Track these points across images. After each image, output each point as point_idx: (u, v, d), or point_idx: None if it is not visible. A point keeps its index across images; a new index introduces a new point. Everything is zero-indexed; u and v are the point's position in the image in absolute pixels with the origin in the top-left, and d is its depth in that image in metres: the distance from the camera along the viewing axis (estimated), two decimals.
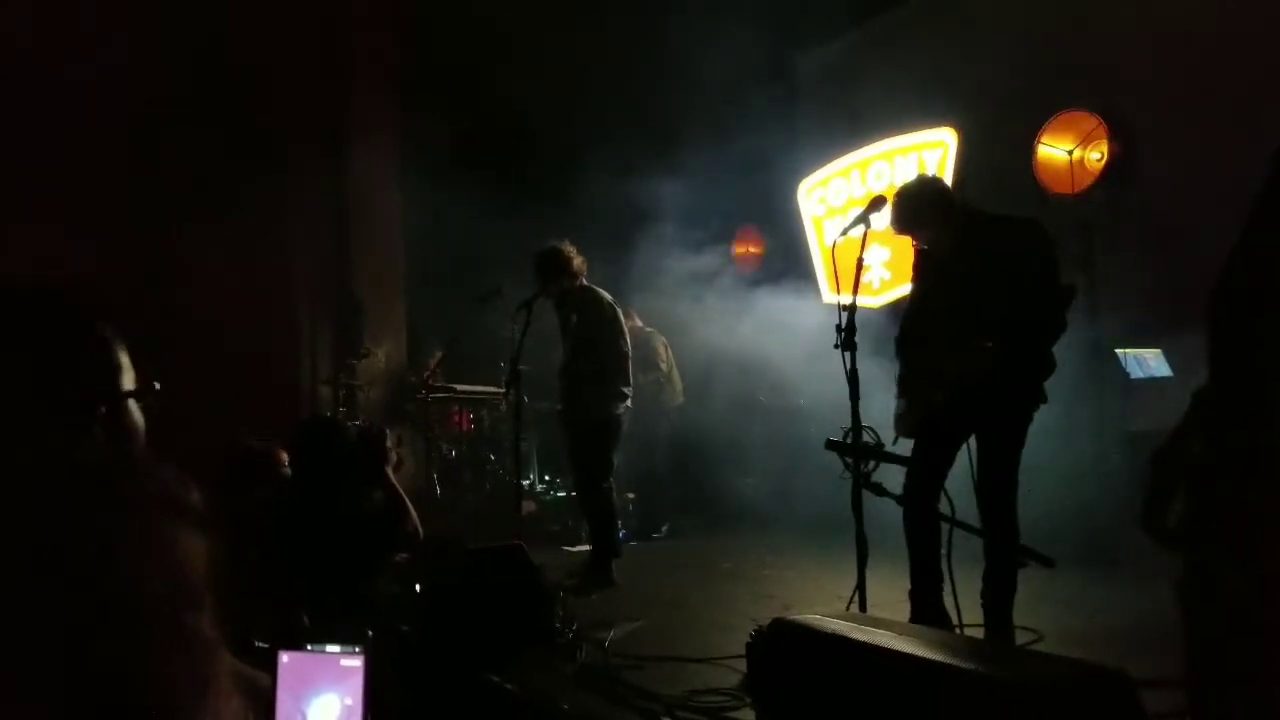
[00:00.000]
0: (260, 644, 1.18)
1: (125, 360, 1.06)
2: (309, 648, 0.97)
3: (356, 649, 0.96)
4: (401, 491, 3.35)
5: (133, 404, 1.05)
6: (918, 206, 3.58)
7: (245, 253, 6.52)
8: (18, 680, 0.55)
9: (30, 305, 1.01)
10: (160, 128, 6.10)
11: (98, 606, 0.57)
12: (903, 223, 3.63)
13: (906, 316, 3.73)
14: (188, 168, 6.17)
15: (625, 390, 5.26)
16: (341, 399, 6.91)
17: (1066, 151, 6.15)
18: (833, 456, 3.69)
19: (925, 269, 3.70)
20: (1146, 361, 5.62)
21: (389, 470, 3.35)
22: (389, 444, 3.37)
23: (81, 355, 1.01)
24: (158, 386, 1.09)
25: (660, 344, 7.25)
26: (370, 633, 0.96)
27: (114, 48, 5.90)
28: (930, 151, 6.94)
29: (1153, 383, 5.44)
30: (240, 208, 6.35)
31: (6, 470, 0.62)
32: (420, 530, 3.35)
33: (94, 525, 0.59)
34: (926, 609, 3.38)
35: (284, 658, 0.96)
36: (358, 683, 0.95)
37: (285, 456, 4.09)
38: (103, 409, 0.99)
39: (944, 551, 3.37)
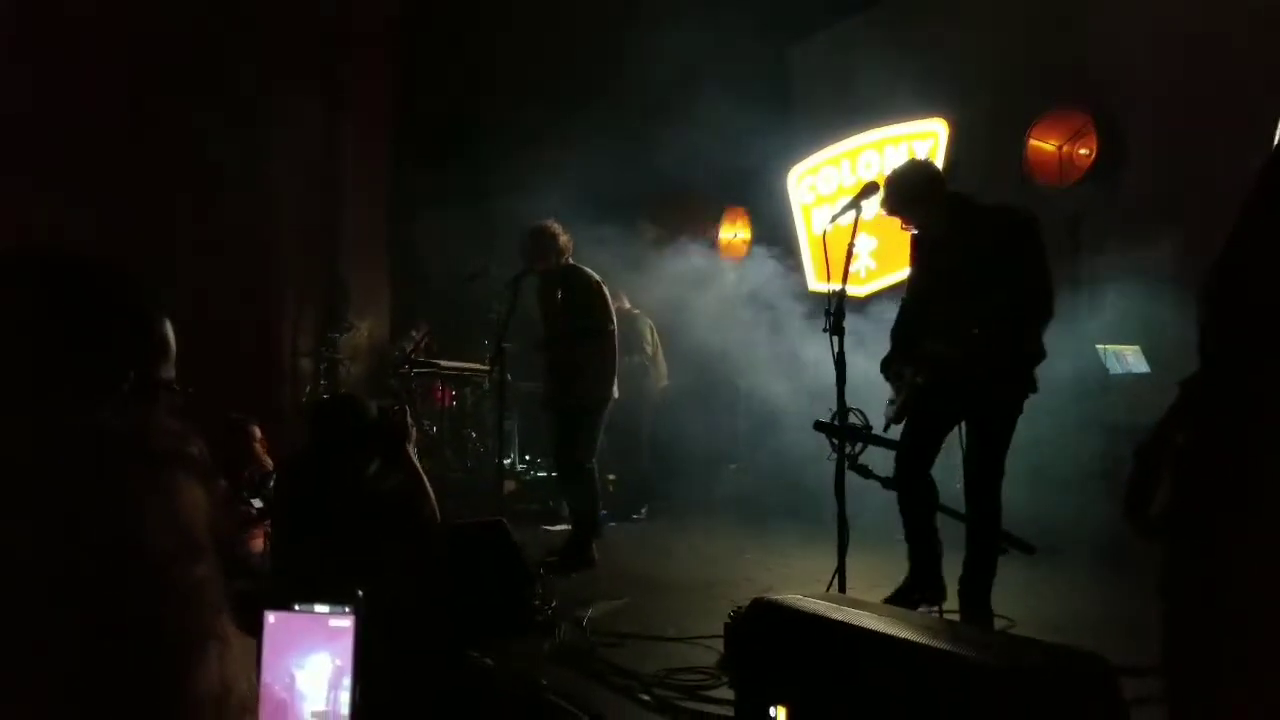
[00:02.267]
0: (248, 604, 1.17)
1: (167, 345, 1.07)
2: (296, 608, 0.96)
3: (346, 609, 0.95)
4: (422, 473, 3.32)
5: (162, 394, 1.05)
6: (907, 188, 3.62)
7: (231, 224, 6.46)
8: (30, 630, 0.55)
9: (76, 273, 1.01)
10: (153, 97, 6.03)
11: (108, 558, 0.57)
12: (893, 203, 3.66)
13: (903, 304, 3.77)
14: (180, 140, 6.09)
15: (612, 370, 5.24)
16: (323, 372, 6.86)
17: (1056, 146, 6.18)
18: (814, 441, 3.71)
19: (920, 257, 3.72)
20: (1125, 358, 5.67)
21: (411, 450, 3.32)
22: (410, 423, 3.34)
23: (117, 327, 1.01)
24: (190, 389, 1.10)
25: (647, 327, 7.23)
26: (360, 593, 0.95)
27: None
28: (921, 142, 6.95)
29: (1131, 379, 5.49)
30: (229, 180, 6.29)
31: (24, 425, 0.62)
32: (438, 513, 3.32)
33: (106, 478, 0.59)
34: (924, 574, 3.41)
35: (270, 618, 0.95)
36: (348, 643, 0.94)
37: (259, 432, 4.07)
38: (130, 381, 0.99)
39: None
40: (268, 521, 3.80)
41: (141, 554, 0.59)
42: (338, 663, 0.93)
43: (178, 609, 0.59)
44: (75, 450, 0.61)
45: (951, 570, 3.42)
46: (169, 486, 0.62)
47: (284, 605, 0.96)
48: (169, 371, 1.09)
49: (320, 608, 0.95)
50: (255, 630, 0.98)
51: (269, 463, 4.23)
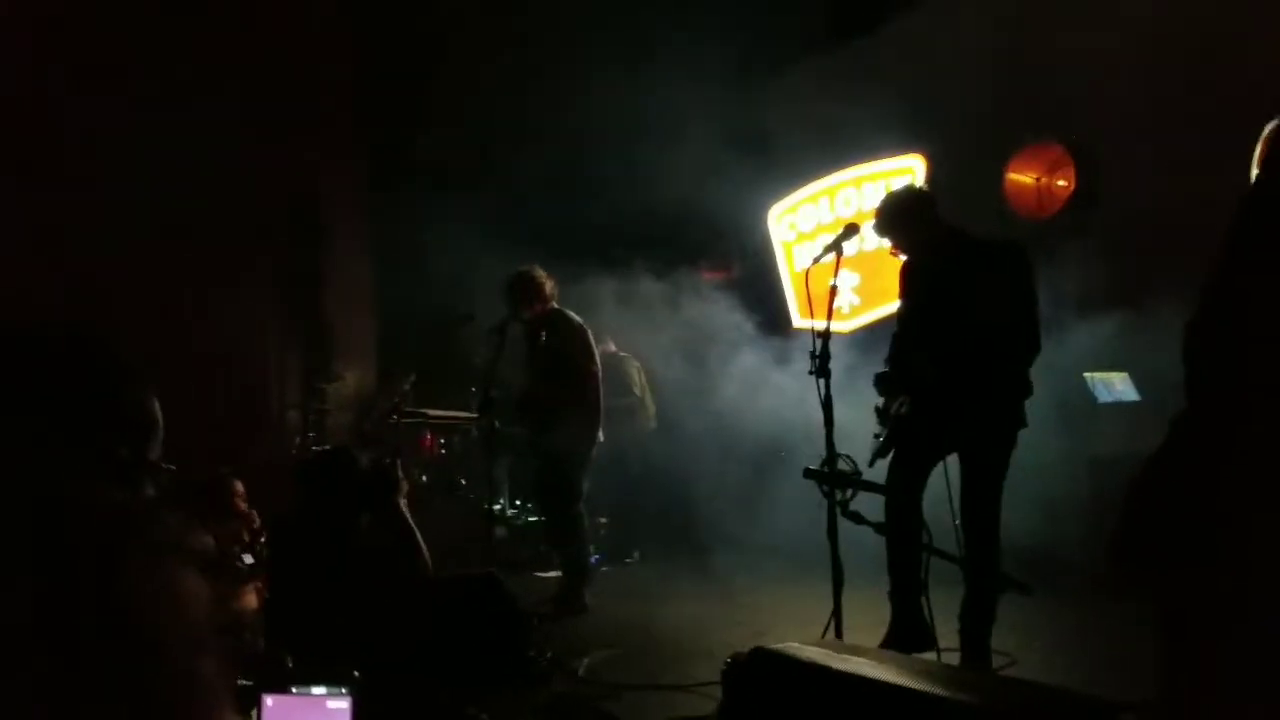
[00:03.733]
0: (243, 682, 1.15)
1: (156, 424, 1.07)
2: (294, 690, 0.94)
3: (343, 690, 0.94)
4: (413, 525, 3.32)
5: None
6: (895, 210, 3.69)
7: (213, 276, 6.45)
8: (33, 705, 0.54)
9: (68, 349, 1.01)
10: (126, 142, 6.02)
11: (118, 652, 0.56)
12: (882, 225, 3.73)
13: (894, 335, 3.79)
14: (157, 190, 6.09)
15: (596, 413, 5.24)
16: (310, 424, 6.82)
17: (1034, 179, 6.28)
18: (807, 482, 3.70)
19: (909, 287, 3.75)
20: (1114, 385, 5.69)
21: (402, 503, 3.31)
22: (400, 475, 3.35)
23: (115, 407, 1.01)
24: (174, 469, 1.10)
25: (634, 368, 7.24)
26: (356, 673, 0.94)
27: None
28: (899, 178, 7.03)
29: (1120, 407, 5.51)
30: (210, 231, 6.28)
31: (32, 511, 0.62)
32: (430, 564, 3.31)
33: (115, 572, 0.59)
34: (908, 613, 3.39)
35: (268, 701, 0.94)
36: None
37: (240, 487, 4.03)
38: (124, 459, 0.99)
39: (922, 577, 3.38)
40: (259, 578, 3.76)
41: (143, 639, 0.58)
42: None
43: (183, 703, 0.58)
44: (76, 529, 0.61)
45: (952, 609, 3.39)
46: (171, 578, 0.62)
47: (281, 688, 0.94)
48: (157, 451, 1.09)
49: (317, 690, 0.94)
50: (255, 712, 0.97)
51: (255, 517, 4.19)
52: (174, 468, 1.13)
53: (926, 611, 3.39)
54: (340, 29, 7.79)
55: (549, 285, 5.23)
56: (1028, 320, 3.36)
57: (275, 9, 7.16)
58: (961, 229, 3.67)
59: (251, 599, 3.68)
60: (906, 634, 3.36)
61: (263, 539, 3.97)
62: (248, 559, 3.95)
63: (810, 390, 3.40)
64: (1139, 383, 5.52)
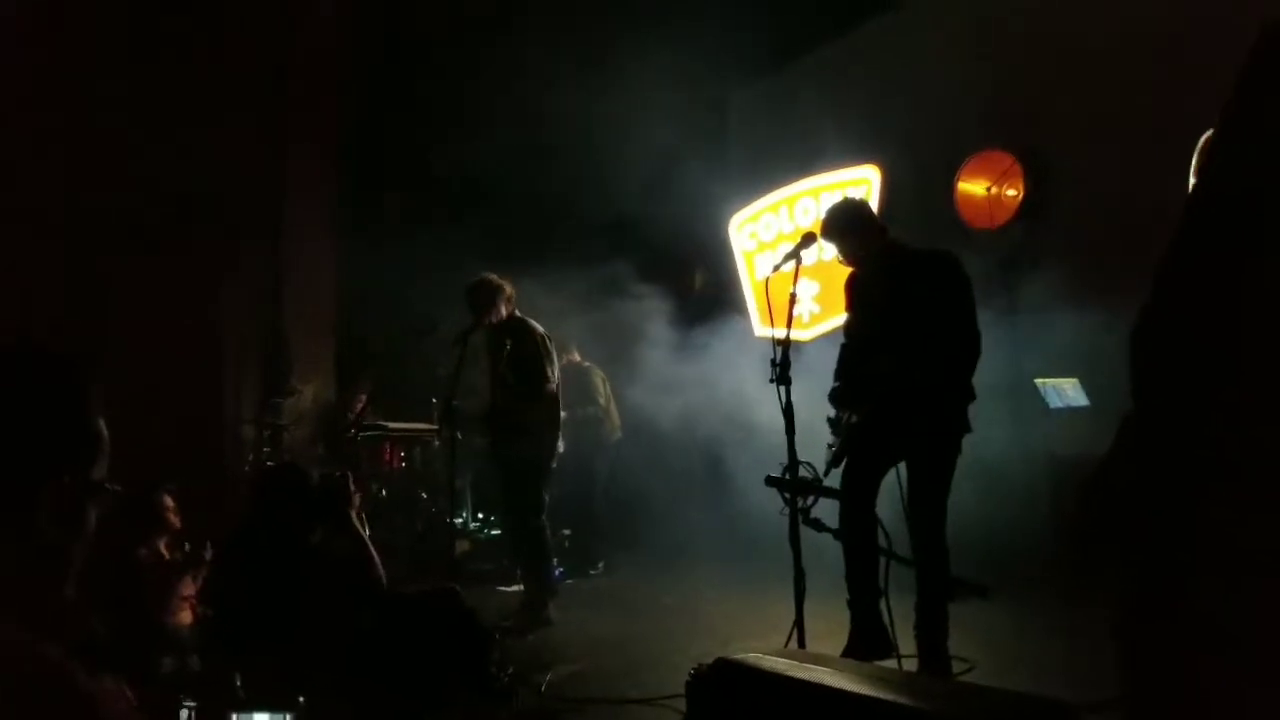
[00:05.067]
0: (187, 703, 1.12)
1: (102, 445, 1.03)
2: (234, 717, 0.91)
3: (286, 716, 0.90)
4: (366, 538, 3.28)
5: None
6: (839, 217, 3.82)
7: (170, 287, 6.32)
8: None
9: (20, 367, 0.97)
10: (99, 157, 5.90)
11: None
12: (825, 229, 3.84)
13: (841, 346, 3.84)
14: (119, 198, 5.97)
15: (556, 424, 5.20)
16: (266, 439, 6.69)
17: (984, 188, 6.37)
18: (770, 490, 3.71)
19: (853, 297, 3.81)
20: (1065, 391, 5.79)
21: (354, 516, 3.28)
22: (352, 488, 3.32)
23: (51, 429, 0.97)
24: (119, 489, 1.06)
25: (598, 378, 7.20)
26: (301, 699, 0.91)
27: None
28: (855, 189, 7.09)
29: (1071, 412, 5.61)
30: (168, 241, 6.17)
31: None
32: (384, 577, 3.28)
33: None
34: (866, 620, 3.41)
35: None
36: None
37: (170, 501, 3.95)
38: (63, 485, 0.95)
39: (881, 584, 3.40)
40: (193, 595, 3.68)
41: None
42: None
43: None
44: None
45: (910, 615, 3.41)
46: None
47: (220, 715, 0.91)
48: (102, 471, 1.06)
49: (260, 716, 0.91)
50: None
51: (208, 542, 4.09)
52: (119, 488, 1.09)
53: (887, 618, 3.41)
54: (324, 41, 7.72)
55: (508, 291, 5.20)
56: (967, 327, 3.43)
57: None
58: (900, 242, 3.75)
59: (186, 616, 3.61)
60: (866, 641, 3.38)
61: (204, 553, 3.89)
62: (187, 547, 3.89)
63: (774, 395, 3.40)
64: (1091, 387, 5.62)
